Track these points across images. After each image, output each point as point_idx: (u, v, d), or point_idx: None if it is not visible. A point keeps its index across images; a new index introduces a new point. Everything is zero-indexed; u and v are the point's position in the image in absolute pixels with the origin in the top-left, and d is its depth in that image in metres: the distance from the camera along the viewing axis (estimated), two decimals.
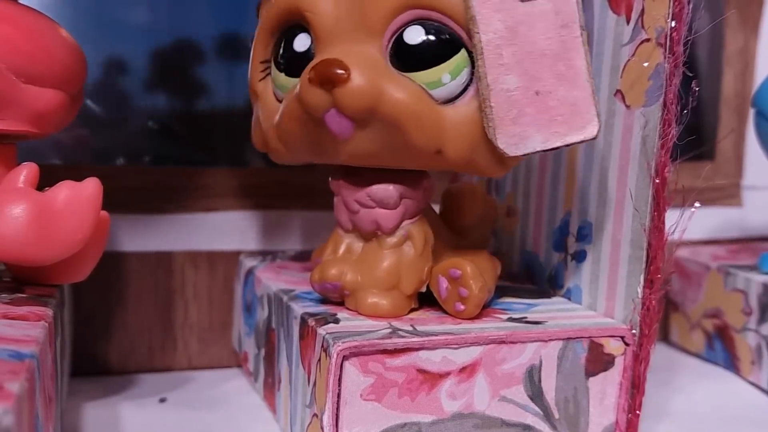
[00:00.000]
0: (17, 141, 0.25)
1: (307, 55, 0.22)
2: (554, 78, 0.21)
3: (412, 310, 0.24)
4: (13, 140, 0.24)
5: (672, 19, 0.22)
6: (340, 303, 0.25)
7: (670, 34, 0.22)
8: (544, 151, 0.21)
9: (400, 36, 0.21)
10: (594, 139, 0.21)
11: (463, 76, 0.21)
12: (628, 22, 0.24)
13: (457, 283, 0.23)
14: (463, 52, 0.21)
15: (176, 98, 0.35)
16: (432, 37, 0.21)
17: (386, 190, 0.23)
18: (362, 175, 0.23)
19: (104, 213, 0.23)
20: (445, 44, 0.21)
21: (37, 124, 0.23)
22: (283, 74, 0.23)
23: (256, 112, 0.25)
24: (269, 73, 0.24)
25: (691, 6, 0.22)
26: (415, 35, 0.21)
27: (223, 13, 0.36)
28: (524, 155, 0.21)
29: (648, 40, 0.23)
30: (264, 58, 0.24)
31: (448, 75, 0.21)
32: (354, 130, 0.21)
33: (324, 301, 0.25)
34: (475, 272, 0.23)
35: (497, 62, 0.21)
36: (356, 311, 0.24)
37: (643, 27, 0.23)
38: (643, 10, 0.23)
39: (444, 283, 0.24)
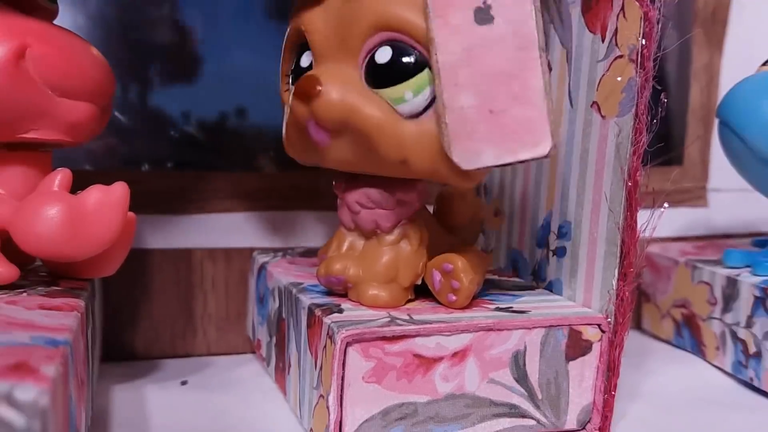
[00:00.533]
0: (52, 149, 0.25)
1: (307, 71, 0.22)
2: (509, 97, 0.20)
3: (409, 301, 0.24)
4: (48, 148, 0.24)
5: (643, 38, 0.22)
6: (344, 295, 0.25)
7: (641, 51, 0.22)
8: (497, 166, 0.21)
9: (373, 56, 0.22)
10: (546, 157, 0.20)
11: (426, 93, 0.21)
12: (603, 41, 0.24)
13: (449, 276, 0.23)
14: (426, 72, 0.21)
15: (196, 110, 0.35)
16: (397, 57, 0.21)
17: (383, 193, 0.23)
18: (362, 180, 0.23)
19: (131, 214, 0.23)
20: (409, 64, 0.21)
21: (70, 134, 0.23)
22: (292, 88, 0.23)
23: (285, 118, 0.25)
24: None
25: (660, 25, 0.22)
26: (384, 55, 0.21)
27: (240, 26, 0.36)
28: (478, 169, 0.21)
29: (621, 56, 0.23)
30: (287, 72, 0.25)
31: (410, 92, 0.21)
32: (331, 140, 0.22)
33: (329, 293, 0.25)
34: (465, 266, 0.23)
35: (453, 82, 0.20)
36: (358, 302, 0.24)
37: (616, 45, 0.23)
38: (616, 30, 0.23)
39: (437, 277, 0.24)
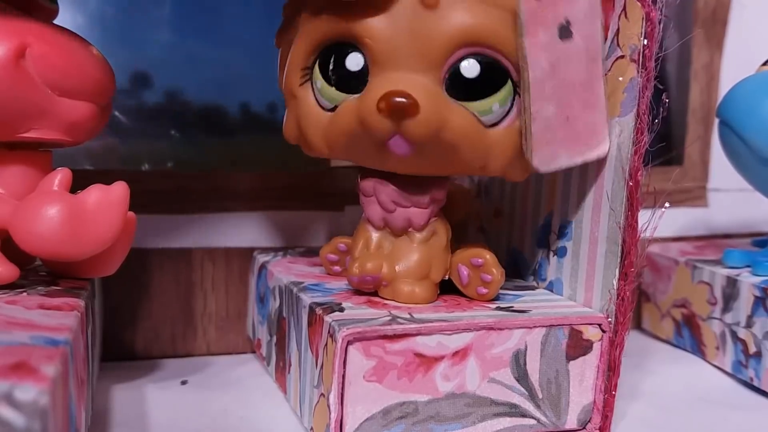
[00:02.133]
0: (52, 148, 0.25)
1: (361, 75, 0.22)
2: (581, 105, 0.22)
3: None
4: (48, 148, 0.24)
5: (644, 38, 0.22)
6: (345, 293, 0.25)
7: (643, 51, 0.22)
8: (568, 166, 0.23)
9: (457, 68, 0.21)
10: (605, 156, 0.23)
11: (508, 104, 0.22)
12: (605, 41, 0.24)
13: (479, 270, 0.24)
14: (509, 84, 0.22)
15: (195, 110, 0.35)
16: (487, 72, 0.21)
17: (420, 191, 0.23)
18: (397, 178, 0.23)
19: (131, 213, 0.23)
20: (497, 78, 0.22)
21: (70, 133, 0.23)
22: (333, 88, 0.22)
23: (291, 110, 0.24)
24: (309, 79, 0.23)
25: (661, 26, 0.22)
26: (472, 70, 0.21)
27: (239, 27, 0.36)
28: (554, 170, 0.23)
29: (623, 56, 0.23)
30: (305, 66, 0.23)
31: (497, 104, 0.22)
32: (414, 152, 0.22)
33: (329, 292, 0.25)
34: (495, 260, 0.24)
35: (541, 95, 0.21)
36: (393, 299, 0.24)
37: (618, 45, 0.23)
38: (618, 30, 0.23)
39: (465, 271, 0.24)
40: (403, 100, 0.20)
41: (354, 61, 0.22)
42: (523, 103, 0.22)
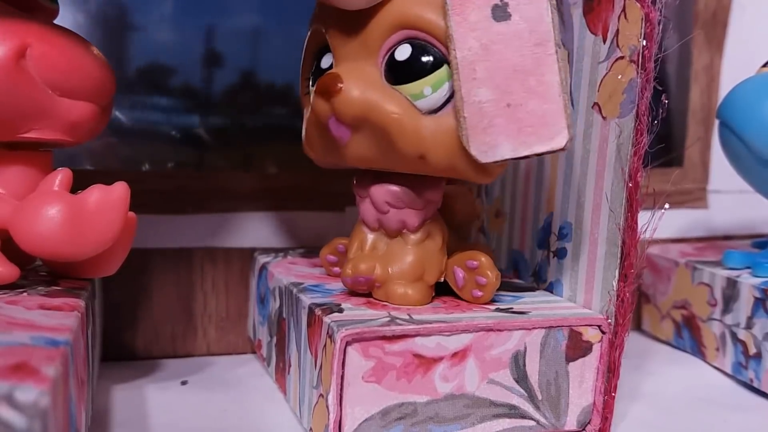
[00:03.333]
0: (53, 148, 0.25)
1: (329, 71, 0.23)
2: (525, 92, 0.21)
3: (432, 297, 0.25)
4: (49, 148, 0.24)
5: (644, 39, 0.22)
6: (344, 294, 0.25)
7: (642, 52, 0.22)
8: (513, 159, 0.21)
9: (392, 53, 0.22)
10: (562, 149, 0.21)
11: (445, 89, 0.22)
12: (604, 42, 0.24)
13: (474, 272, 0.24)
14: (444, 68, 0.22)
15: (197, 109, 0.35)
16: (416, 54, 0.22)
17: (413, 192, 0.23)
18: (391, 179, 0.24)
19: (131, 214, 0.23)
20: (428, 61, 0.22)
21: (70, 134, 0.23)
22: (314, 88, 0.23)
23: (304, 121, 0.25)
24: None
25: (661, 27, 0.22)
26: (403, 52, 0.22)
27: (241, 27, 0.36)
28: (495, 162, 0.21)
29: (622, 57, 0.23)
30: (307, 76, 0.25)
31: (429, 88, 0.22)
32: (351, 136, 0.22)
33: (329, 293, 0.25)
34: (490, 263, 0.24)
35: (471, 77, 0.21)
36: (386, 301, 0.24)
37: (617, 46, 0.23)
38: (618, 31, 0.23)
39: (460, 273, 0.24)
40: (330, 80, 0.21)
41: (326, 60, 0.24)
42: (453, 85, 0.21)
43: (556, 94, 0.21)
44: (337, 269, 0.27)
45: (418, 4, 0.21)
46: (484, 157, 0.21)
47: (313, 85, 0.24)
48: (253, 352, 0.33)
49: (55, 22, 0.24)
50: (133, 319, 0.31)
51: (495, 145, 0.21)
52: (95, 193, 0.22)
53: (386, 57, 0.22)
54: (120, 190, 0.22)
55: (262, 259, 0.31)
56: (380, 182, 0.24)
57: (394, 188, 0.23)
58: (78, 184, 0.22)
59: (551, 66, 0.21)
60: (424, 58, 0.22)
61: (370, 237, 0.25)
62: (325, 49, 0.24)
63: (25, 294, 0.21)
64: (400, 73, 0.22)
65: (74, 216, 0.21)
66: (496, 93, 0.21)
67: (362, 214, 0.25)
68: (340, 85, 0.21)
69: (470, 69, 0.21)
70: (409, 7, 0.22)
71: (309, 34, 0.25)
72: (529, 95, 0.21)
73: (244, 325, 0.33)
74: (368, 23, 0.22)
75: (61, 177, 0.22)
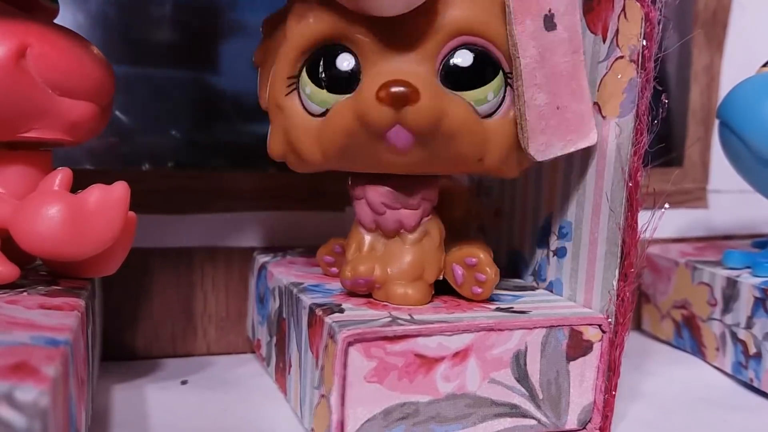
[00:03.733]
0: (53, 148, 0.25)
1: (352, 75, 0.22)
2: (569, 95, 0.23)
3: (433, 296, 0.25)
4: (49, 147, 0.24)
5: (644, 38, 0.22)
6: (345, 294, 0.25)
7: (642, 51, 0.22)
8: (561, 155, 0.23)
9: (450, 59, 0.22)
10: (594, 145, 0.24)
11: (501, 93, 0.22)
12: (604, 41, 0.24)
13: (473, 269, 0.24)
14: (500, 74, 0.22)
15: (196, 108, 0.35)
16: (480, 61, 0.22)
17: (409, 192, 0.23)
18: (387, 180, 0.23)
19: (131, 213, 0.23)
20: (489, 67, 0.22)
21: (70, 133, 0.23)
22: (324, 91, 0.22)
23: (277, 124, 0.24)
24: (295, 88, 0.23)
25: (661, 26, 0.22)
26: (465, 59, 0.22)
27: (241, 24, 0.36)
28: (548, 160, 0.23)
29: (622, 57, 0.23)
30: (291, 74, 0.23)
31: (492, 93, 0.22)
32: (414, 144, 0.21)
33: (329, 293, 0.25)
34: (489, 259, 0.24)
35: (533, 82, 0.22)
36: (387, 302, 0.24)
37: (617, 45, 0.23)
38: (617, 31, 0.23)
39: (459, 271, 0.24)
40: (403, 88, 0.20)
41: (345, 61, 0.22)
42: (516, 90, 0.22)
43: (587, 96, 0.24)
44: (334, 269, 0.27)
45: (479, 11, 0.22)
46: (541, 155, 0.23)
47: (325, 88, 0.22)
48: (253, 352, 0.32)
49: (55, 22, 0.24)
50: (133, 319, 0.31)
51: (550, 144, 0.23)
52: (95, 193, 0.22)
53: (443, 62, 0.22)
54: (120, 189, 0.22)
55: (261, 259, 0.30)
56: (375, 183, 0.23)
57: (390, 189, 0.23)
58: (78, 184, 0.22)
59: (583, 70, 0.23)
60: (488, 65, 0.22)
61: (368, 238, 0.25)
62: (338, 48, 0.22)
63: (25, 293, 0.21)
64: (462, 79, 0.22)
65: (74, 216, 0.21)
66: (549, 96, 0.23)
67: (359, 215, 0.24)
68: (416, 94, 0.20)
69: (532, 75, 0.22)
70: (470, 13, 0.21)
71: (294, 29, 0.22)
72: (572, 98, 0.23)
73: (244, 324, 0.33)
74: (417, 27, 0.21)
75: (61, 177, 0.22)
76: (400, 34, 0.21)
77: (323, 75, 0.22)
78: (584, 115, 0.23)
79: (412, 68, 0.21)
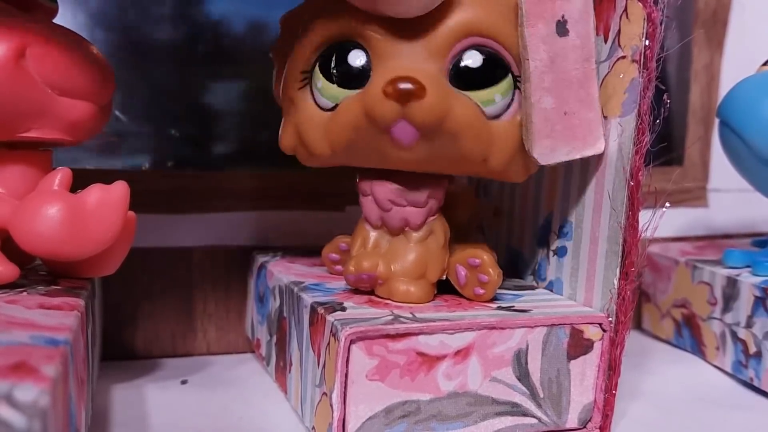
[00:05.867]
0: (52, 147, 0.25)
1: (363, 71, 0.22)
2: (578, 102, 0.23)
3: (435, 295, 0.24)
4: (48, 147, 0.24)
5: (646, 39, 0.22)
6: (346, 293, 0.25)
7: (644, 51, 0.22)
8: (566, 160, 0.23)
9: (460, 59, 0.22)
10: (601, 154, 0.24)
11: (509, 96, 0.22)
12: (605, 41, 0.24)
13: (476, 270, 0.24)
14: (509, 76, 0.22)
15: (196, 108, 0.35)
16: (489, 62, 0.22)
17: (416, 190, 0.23)
18: (394, 177, 0.23)
19: (131, 213, 0.23)
20: (500, 69, 0.22)
21: (70, 133, 0.23)
22: (335, 86, 0.22)
23: (289, 117, 0.24)
24: (308, 83, 0.23)
25: (662, 26, 0.22)
26: (475, 60, 0.22)
27: (239, 26, 0.35)
28: (550, 164, 0.23)
29: (624, 57, 0.23)
30: (305, 69, 0.23)
31: (499, 95, 0.22)
32: (418, 140, 0.22)
33: (331, 291, 0.25)
34: (492, 261, 0.24)
35: (541, 85, 0.22)
36: (389, 298, 0.24)
37: (619, 45, 0.23)
38: (619, 31, 0.23)
39: (462, 271, 0.24)
40: (409, 84, 0.20)
41: (356, 58, 0.22)
42: (524, 92, 0.22)
43: (597, 105, 0.23)
44: (339, 267, 0.27)
45: (491, 13, 0.22)
46: (545, 159, 0.23)
47: (336, 83, 0.22)
48: (252, 352, 0.32)
49: (55, 22, 0.24)
50: (132, 319, 0.31)
51: (555, 149, 0.23)
52: (95, 193, 0.21)
53: (452, 62, 0.22)
54: (120, 189, 0.22)
55: (260, 258, 0.30)
56: (383, 180, 0.24)
57: (397, 186, 0.23)
58: (78, 184, 0.22)
59: (594, 79, 0.23)
60: (497, 67, 0.22)
61: (373, 234, 0.25)
62: (350, 45, 0.22)
63: (24, 293, 0.21)
64: (471, 80, 0.22)
65: (74, 215, 0.21)
66: (557, 102, 0.22)
67: (365, 211, 0.24)
68: (423, 89, 0.20)
69: (541, 78, 0.22)
70: (482, 15, 0.22)
71: (310, 24, 0.23)
72: (581, 105, 0.23)
73: (244, 324, 0.33)
74: (429, 26, 0.21)
75: (60, 176, 0.22)
76: (411, 33, 0.22)
77: (335, 70, 0.22)
78: (592, 124, 0.23)
79: (421, 66, 0.21)
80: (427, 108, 0.21)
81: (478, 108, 0.22)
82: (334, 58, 0.23)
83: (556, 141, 0.23)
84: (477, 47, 0.22)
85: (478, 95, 0.22)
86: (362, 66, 0.22)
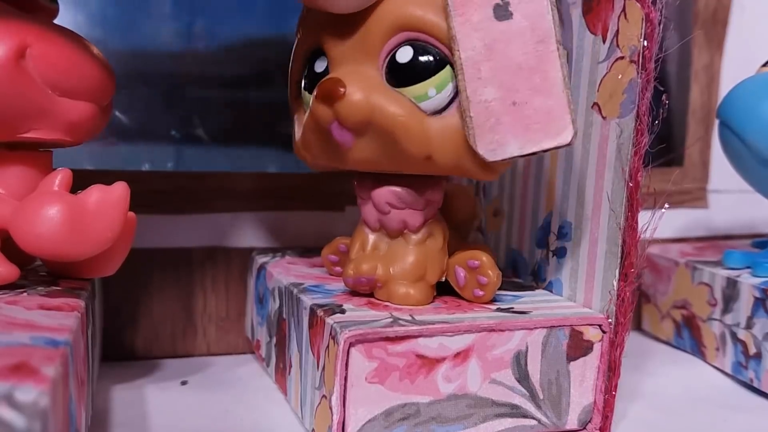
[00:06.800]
0: (53, 148, 0.25)
1: (323, 76, 0.23)
2: (530, 89, 0.21)
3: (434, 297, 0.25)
4: (48, 148, 0.24)
5: (644, 39, 0.22)
6: (345, 295, 0.25)
7: (643, 52, 0.22)
8: (521, 156, 0.21)
9: (393, 56, 0.22)
10: (569, 145, 0.21)
11: (448, 89, 0.22)
12: (604, 42, 0.24)
13: (475, 272, 0.24)
14: (447, 69, 0.22)
15: (197, 109, 0.35)
16: (419, 56, 0.22)
17: (414, 193, 0.23)
18: (391, 180, 0.24)
19: (131, 213, 0.23)
20: (431, 62, 0.22)
21: (70, 133, 0.23)
22: (307, 92, 0.24)
23: (293, 124, 0.26)
24: (300, 92, 0.24)
25: (661, 27, 0.22)
26: (405, 55, 0.22)
27: (239, 27, 0.35)
28: (503, 160, 0.21)
29: (622, 57, 0.23)
30: (298, 79, 0.25)
31: (433, 89, 0.22)
32: (354, 140, 0.22)
33: (330, 293, 0.25)
34: (491, 262, 0.24)
35: (476, 77, 0.21)
36: (388, 301, 0.24)
37: (618, 46, 0.23)
38: (617, 31, 0.23)
39: (462, 273, 0.24)
40: (330, 85, 0.21)
41: (320, 65, 0.23)
42: (458, 85, 0.21)
43: (559, 90, 0.21)
44: (338, 269, 0.27)
45: (418, 5, 0.21)
46: (492, 155, 0.21)
47: (306, 89, 0.24)
48: (252, 353, 0.32)
49: (55, 22, 0.24)
50: (133, 319, 0.31)
51: (503, 143, 0.21)
52: (95, 193, 0.21)
53: (387, 59, 0.22)
54: (120, 190, 0.22)
55: (260, 259, 0.30)
56: (381, 184, 0.24)
57: (395, 189, 0.23)
58: (78, 184, 0.22)
59: (554, 63, 0.21)
60: (427, 60, 0.21)
61: (372, 237, 0.25)
62: (318, 53, 0.23)
63: (25, 294, 0.21)
64: (403, 76, 0.22)
65: (74, 216, 0.21)
66: (501, 91, 0.21)
67: (364, 215, 0.25)
68: (342, 89, 0.21)
69: (475, 69, 0.21)
70: (408, 8, 0.21)
71: (298, 37, 0.25)
72: (534, 92, 0.21)
73: (244, 325, 0.33)
74: (365, 26, 0.22)
75: (60, 177, 0.22)
76: (353, 34, 0.22)
77: (305, 78, 0.24)
78: (552, 112, 0.21)
79: (358, 68, 0.22)
80: (348, 107, 0.21)
81: (413, 104, 0.22)
82: (307, 67, 0.24)
83: (504, 134, 0.21)
84: (410, 42, 0.22)
85: (411, 91, 0.22)
86: (322, 72, 0.23)
